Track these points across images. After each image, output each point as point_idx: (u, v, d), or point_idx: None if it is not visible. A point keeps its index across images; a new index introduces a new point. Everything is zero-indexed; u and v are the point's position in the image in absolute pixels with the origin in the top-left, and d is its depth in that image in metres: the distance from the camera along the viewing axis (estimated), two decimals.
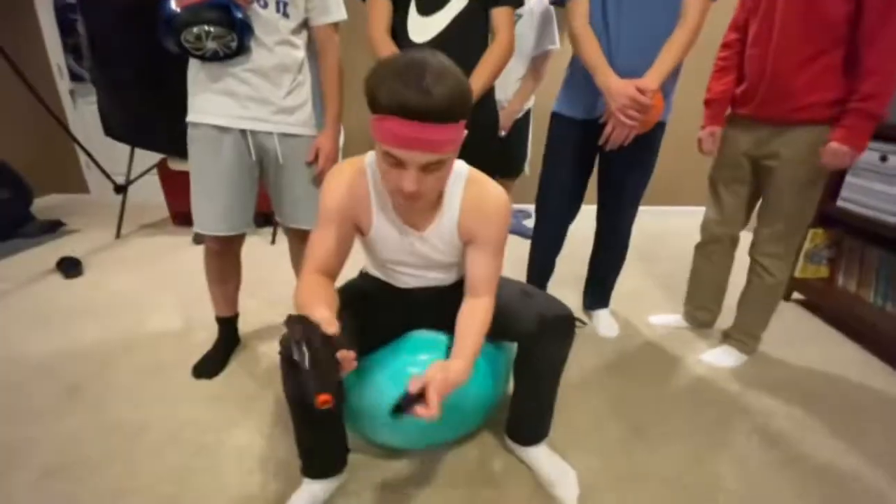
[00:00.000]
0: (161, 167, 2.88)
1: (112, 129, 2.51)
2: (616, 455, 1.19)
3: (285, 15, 1.26)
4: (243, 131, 1.29)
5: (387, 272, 1.05)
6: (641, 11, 1.29)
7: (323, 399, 0.64)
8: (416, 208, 0.87)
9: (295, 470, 1.08)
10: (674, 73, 1.37)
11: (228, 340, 1.60)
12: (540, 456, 1.12)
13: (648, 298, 2.05)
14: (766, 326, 1.56)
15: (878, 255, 1.74)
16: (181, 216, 3.03)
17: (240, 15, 1.16)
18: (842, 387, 1.47)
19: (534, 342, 0.99)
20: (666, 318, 1.83)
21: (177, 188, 2.91)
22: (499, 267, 0.97)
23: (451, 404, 1.04)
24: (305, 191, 1.43)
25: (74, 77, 3.30)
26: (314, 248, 0.92)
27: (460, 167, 0.92)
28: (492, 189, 0.92)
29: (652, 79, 1.26)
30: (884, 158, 1.62)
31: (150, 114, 2.38)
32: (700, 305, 1.73)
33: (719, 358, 1.57)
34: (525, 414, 1.12)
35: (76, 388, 1.45)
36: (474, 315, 0.92)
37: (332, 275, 0.95)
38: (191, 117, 1.30)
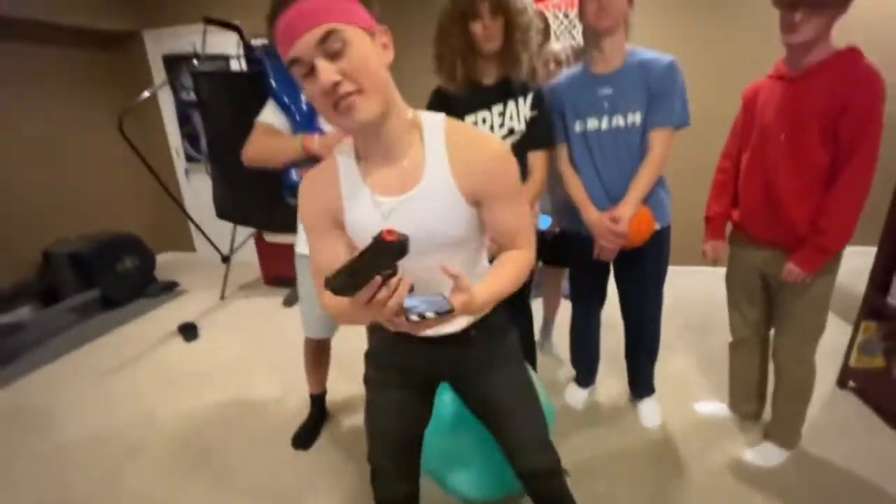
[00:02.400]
0: (257, 238, 3.39)
1: (224, 212, 3.02)
2: None
3: None
4: None
5: None
6: (616, 150, 1.51)
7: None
8: (359, 121, 0.70)
9: None
10: (660, 185, 1.57)
11: (319, 414, 1.94)
12: None
13: (695, 380, 2.13)
14: (803, 420, 1.62)
15: None
16: (271, 278, 3.52)
17: None
18: (887, 494, 1.51)
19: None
20: (712, 407, 1.92)
21: (269, 255, 3.42)
22: (525, 214, 0.87)
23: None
24: None
25: (189, 158, 3.96)
26: (315, 263, 0.86)
27: (434, 117, 0.81)
28: (480, 136, 0.81)
29: (623, 210, 1.46)
30: None
31: (255, 200, 2.86)
32: (743, 399, 1.82)
33: (762, 455, 1.65)
34: None
35: (205, 452, 1.83)
36: (511, 258, 0.86)
37: None
38: (299, 249, 1.63)
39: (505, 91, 1.47)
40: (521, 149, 1.49)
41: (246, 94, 2.62)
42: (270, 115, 1.52)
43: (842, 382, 2.06)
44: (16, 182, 3.14)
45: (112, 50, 3.82)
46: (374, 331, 1.00)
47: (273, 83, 1.53)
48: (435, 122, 0.80)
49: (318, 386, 1.90)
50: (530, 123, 1.49)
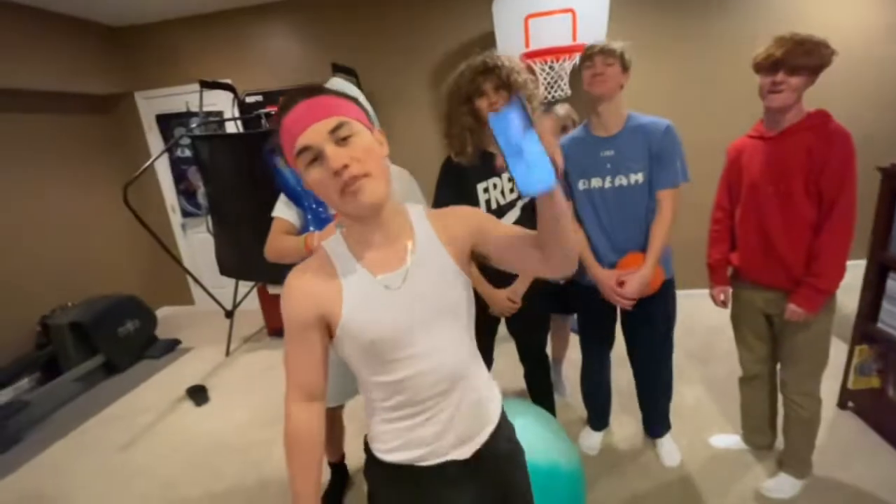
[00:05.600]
0: (261, 289, 3.40)
1: (227, 268, 3.04)
2: None
3: None
4: None
5: (390, 372, 0.80)
6: (620, 207, 1.61)
7: None
8: (367, 205, 0.73)
9: None
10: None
11: (339, 482, 1.93)
12: None
13: (708, 412, 2.18)
14: (812, 450, 1.70)
15: None
16: (275, 329, 3.52)
17: None
18: None
19: None
20: (727, 440, 1.99)
21: (274, 307, 3.43)
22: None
23: None
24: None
25: (185, 213, 3.97)
26: (291, 368, 0.81)
27: (415, 206, 0.90)
28: (451, 208, 0.90)
29: (646, 270, 1.57)
30: None
31: (257, 255, 2.89)
32: (755, 430, 1.89)
33: (778, 488, 1.72)
34: None
35: None
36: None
37: (319, 394, 0.83)
38: None
39: None
40: (533, 209, 1.58)
41: (243, 155, 2.70)
42: (282, 209, 1.56)
43: (842, 404, 2.16)
44: (8, 251, 3.10)
45: (103, 113, 3.85)
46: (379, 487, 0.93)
47: (286, 176, 1.53)
48: (415, 207, 0.89)
49: (333, 454, 1.88)
50: None
